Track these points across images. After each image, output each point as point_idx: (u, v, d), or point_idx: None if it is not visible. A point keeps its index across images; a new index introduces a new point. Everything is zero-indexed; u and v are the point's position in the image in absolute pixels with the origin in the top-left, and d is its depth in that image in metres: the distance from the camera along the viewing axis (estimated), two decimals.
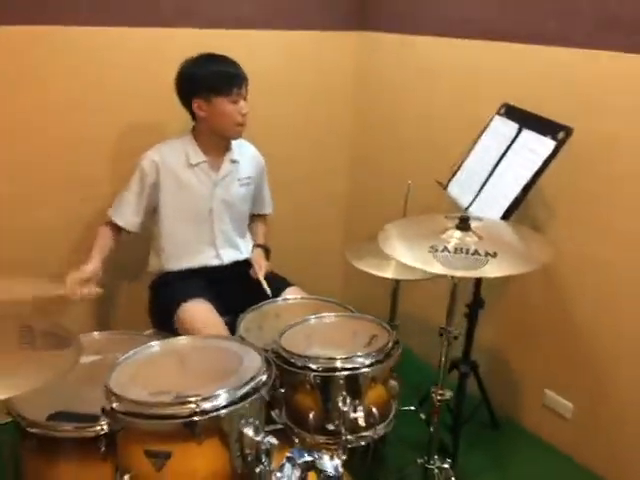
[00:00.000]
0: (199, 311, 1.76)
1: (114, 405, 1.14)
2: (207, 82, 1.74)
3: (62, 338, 1.17)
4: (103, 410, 1.15)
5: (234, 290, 1.90)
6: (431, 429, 1.63)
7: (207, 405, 1.11)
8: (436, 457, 1.66)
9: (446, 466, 1.66)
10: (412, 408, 2.00)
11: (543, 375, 2.10)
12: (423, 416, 1.95)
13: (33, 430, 1.29)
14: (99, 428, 1.27)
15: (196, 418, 1.10)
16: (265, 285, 1.86)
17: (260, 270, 1.92)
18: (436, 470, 1.65)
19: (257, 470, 1.17)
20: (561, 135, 1.55)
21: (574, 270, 1.91)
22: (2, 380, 1.02)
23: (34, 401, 1.31)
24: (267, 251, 2.05)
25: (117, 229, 1.85)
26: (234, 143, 1.91)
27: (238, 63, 1.79)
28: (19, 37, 1.80)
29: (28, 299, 1.51)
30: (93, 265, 1.72)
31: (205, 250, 1.92)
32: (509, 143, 1.71)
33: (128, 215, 1.84)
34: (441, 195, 1.95)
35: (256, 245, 2.05)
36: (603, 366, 1.89)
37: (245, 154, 1.97)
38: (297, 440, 1.38)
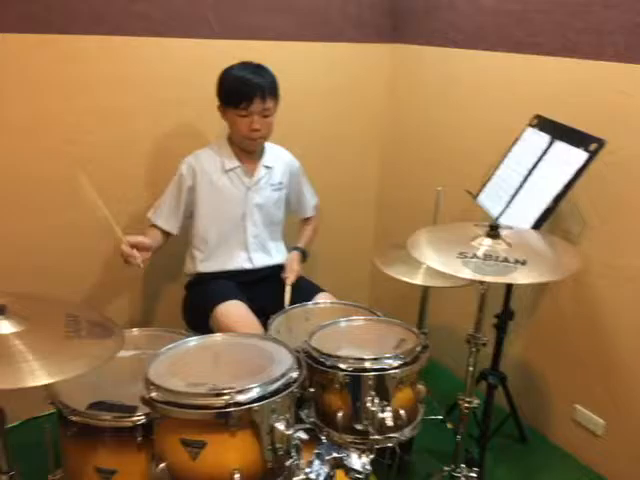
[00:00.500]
0: (235, 311, 1.81)
1: (153, 394, 1.19)
2: (223, 91, 1.82)
3: (106, 328, 1.23)
4: (142, 399, 1.20)
5: (265, 293, 1.95)
6: (458, 437, 1.63)
7: (241, 397, 1.16)
8: (463, 465, 1.66)
9: (473, 475, 1.65)
10: (439, 417, 2.00)
11: (573, 390, 2.08)
12: (450, 426, 1.94)
13: (74, 418, 1.34)
14: (136, 419, 1.32)
15: (230, 409, 1.14)
16: (287, 295, 1.88)
17: (291, 273, 1.95)
18: (463, 478, 1.65)
19: (287, 463, 1.20)
20: (593, 147, 1.56)
21: (607, 282, 1.89)
22: (49, 366, 1.07)
23: (75, 391, 1.38)
24: (304, 254, 2.07)
25: (162, 232, 1.92)
26: (268, 149, 1.98)
27: (267, 75, 1.81)
28: (73, 45, 1.92)
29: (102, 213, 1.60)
30: (147, 239, 1.75)
31: (238, 254, 1.98)
32: (541, 154, 1.73)
33: (167, 218, 1.91)
34: (471, 205, 1.96)
35: (293, 248, 2.08)
36: (637, 382, 1.86)
37: (279, 160, 2.02)
38: (325, 440, 1.40)
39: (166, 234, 1.93)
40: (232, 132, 1.89)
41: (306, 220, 2.20)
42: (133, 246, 1.67)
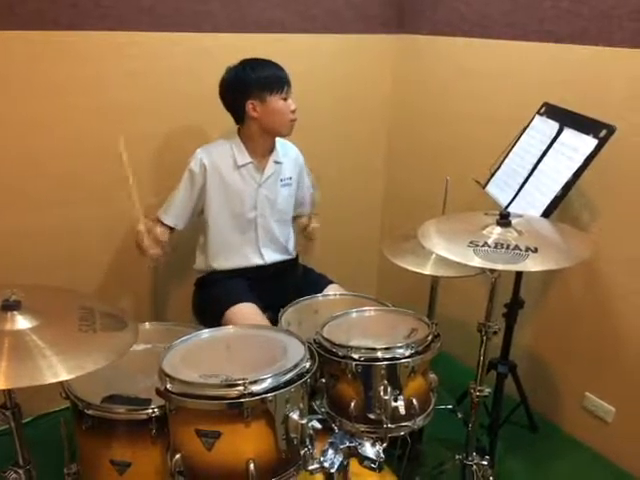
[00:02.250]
0: (247, 314, 1.81)
1: (168, 386, 1.19)
2: (261, 82, 1.81)
3: (119, 320, 1.24)
4: (157, 390, 1.21)
5: (276, 288, 1.96)
6: (469, 426, 1.64)
7: (255, 388, 1.16)
8: (474, 454, 1.67)
9: (485, 463, 1.66)
10: (449, 407, 2.01)
11: (583, 378, 2.08)
12: (460, 415, 1.95)
13: (89, 411, 1.35)
14: (150, 411, 1.33)
15: (244, 400, 1.15)
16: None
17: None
18: (474, 467, 1.65)
19: (301, 452, 1.21)
20: (603, 133, 1.55)
21: (617, 271, 1.89)
22: (68, 362, 1.07)
23: (89, 385, 1.39)
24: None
25: (167, 228, 1.92)
26: (278, 144, 1.97)
27: (280, 65, 1.86)
28: (80, 42, 1.92)
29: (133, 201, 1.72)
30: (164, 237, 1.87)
31: (248, 250, 1.98)
32: (550, 142, 1.72)
33: (176, 214, 1.91)
34: (479, 194, 1.96)
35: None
36: None
37: (288, 155, 2.02)
38: (338, 429, 1.41)
39: (171, 231, 1.94)
40: (272, 121, 1.86)
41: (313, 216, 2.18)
42: (148, 231, 1.74)
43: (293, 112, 1.86)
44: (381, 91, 2.62)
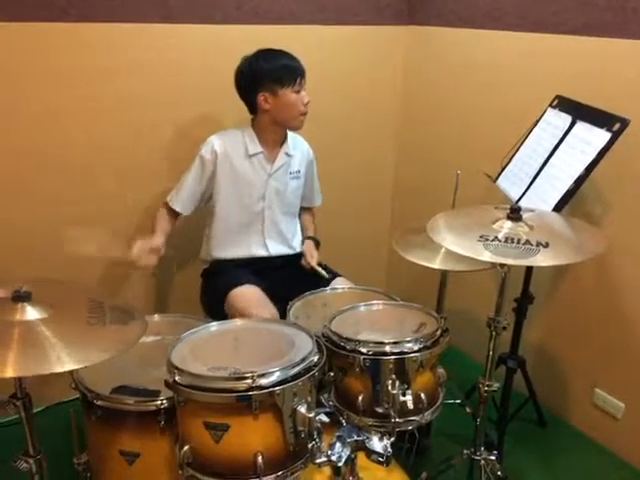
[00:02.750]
0: (248, 295, 1.82)
1: (176, 378, 1.20)
2: (273, 75, 1.80)
3: (128, 313, 1.25)
4: (166, 383, 1.22)
5: (281, 281, 1.95)
6: (477, 421, 1.63)
7: (263, 381, 1.16)
8: (482, 449, 1.66)
9: (493, 458, 1.66)
10: (457, 401, 2.00)
11: (593, 373, 2.06)
12: (469, 409, 1.94)
13: (98, 402, 1.37)
14: (159, 403, 1.34)
15: (252, 393, 1.15)
16: (320, 270, 1.94)
17: (312, 259, 1.98)
18: (482, 461, 1.65)
19: (309, 446, 1.21)
20: (617, 127, 1.52)
21: (629, 265, 1.87)
22: (76, 353, 1.08)
23: (98, 376, 1.40)
24: (317, 243, 2.10)
25: (174, 213, 1.93)
26: (289, 137, 1.97)
27: (296, 57, 1.85)
28: (90, 33, 1.92)
29: (95, 255, 1.59)
30: (159, 239, 1.82)
31: (253, 240, 1.98)
32: (562, 135, 1.70)
33: (185, 200, 1.91)
34: (490, 188, 1.94)
35: (307, 237, 2.10)
36: None
37: (298, 148, 2.02)
38: (346, 423, 1.41)
39: (177, 216, 1.94)
40: (284, 114, 1.85)
41: (307, 210, 2.19)
42: (146, 254, 1.73)
43: (305, 105, 1.85)
44: (391, 83, 2.60)
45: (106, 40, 1.95)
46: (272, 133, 1.92)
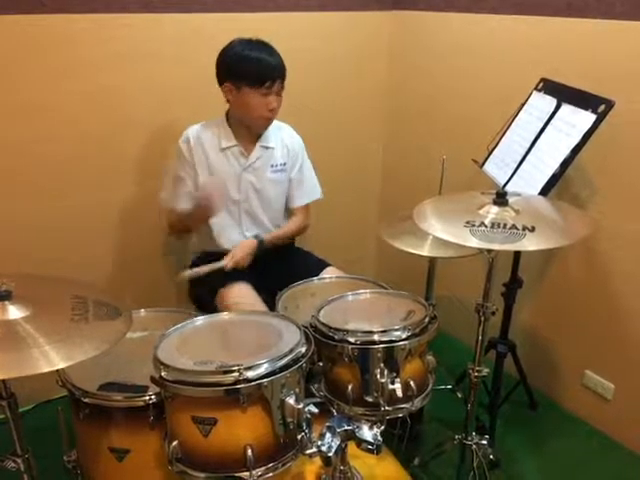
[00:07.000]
0: (239, 293, 1.79)
1: (163, 374, 1.19)
2: (240, 69, 1.72)
3: (113, 309, 1.23)
4: (152, 379, 1.20)
5: (268, 271, 1.92)
6: (468, 406, 1.63)
7: (250, 374, 1.15)
8: (474, 434, 1.67)
9: (484, 442, 1.66)
10: (449, 387, 2.01)
11: (583, 355, 2.08)
12: (460, 395, 1.95)
13: (86, 400, 1.35)
14: (147, 398, 1.33)
15: (239, 386, 1.14)
16: (206, 268, 1.77)
17: (230, 260, 1.81)
18: (474, 446, 1.66)
19: (298, 437, 1.21)
20: (602, 108, 1.52)
21: (616, 247, 1.87)
22: (61, 351, 1.06)
23: (85, 373, 1.39)
24: (261, 243, 1.91)
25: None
26: (272, 128, 1.90)
27: (279, 55, 1.75)
28: (67, 25, 1.88)
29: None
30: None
31: (234, 232, 1.95)
32: (548, 118, 1.69)
33: (184, 196, 1.84)
34: (476, 174, 1.94)
35: (254, 235, 1.94)
36: None
37: (283, 140, 1.95)
38: (336, 412, 1.41)
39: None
40: (243, 112, 1.80)
41: (297, 209, 2.04)
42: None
43: (270, 111, 1.76)
44: (376, 70, 2.58)
45: (82, 32, 1.91)
46: (245, 126, 1.85)
